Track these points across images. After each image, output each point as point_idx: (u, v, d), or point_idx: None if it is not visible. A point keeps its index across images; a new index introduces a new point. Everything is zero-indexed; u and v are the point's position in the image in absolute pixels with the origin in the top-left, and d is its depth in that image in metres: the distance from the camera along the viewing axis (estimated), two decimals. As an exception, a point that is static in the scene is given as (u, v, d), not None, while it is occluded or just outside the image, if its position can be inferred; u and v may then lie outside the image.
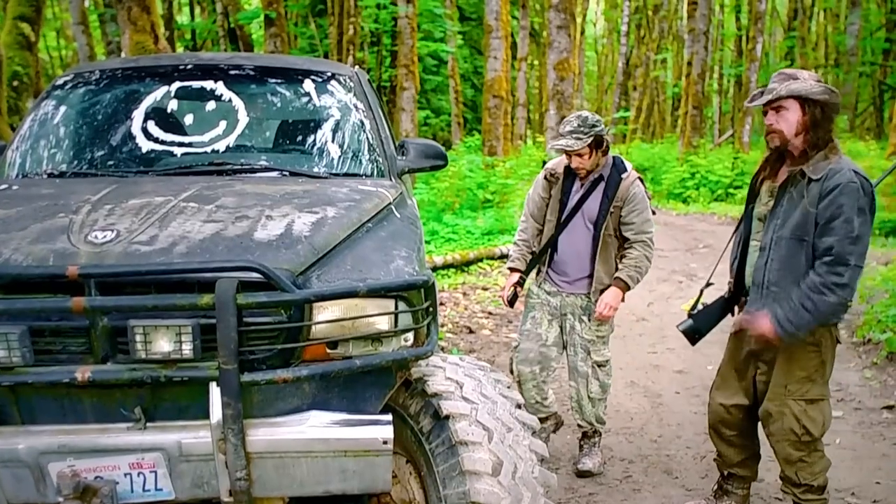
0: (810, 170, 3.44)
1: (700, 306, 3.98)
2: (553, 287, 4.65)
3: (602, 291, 4.52)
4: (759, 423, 3.87)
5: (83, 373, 2.36)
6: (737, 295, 3.88)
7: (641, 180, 4.55)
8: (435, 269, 10.74)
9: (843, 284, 3.34)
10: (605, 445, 4.99)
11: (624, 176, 4.46)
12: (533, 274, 4.77)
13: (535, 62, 37.93)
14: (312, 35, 22.96)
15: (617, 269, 4.52)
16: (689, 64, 23.84)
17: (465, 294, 9.61)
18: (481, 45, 27.75)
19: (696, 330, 3.95)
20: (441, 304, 9.05)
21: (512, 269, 4.76)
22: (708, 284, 4.07)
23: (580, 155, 4.36)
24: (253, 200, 2.96)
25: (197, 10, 29.36)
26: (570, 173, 4.56)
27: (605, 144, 4.42)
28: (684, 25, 30.01)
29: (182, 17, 29.21)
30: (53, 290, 2.44)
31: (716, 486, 4.14)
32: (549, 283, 4.66)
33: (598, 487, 4.45)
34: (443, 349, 6.93)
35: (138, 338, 2.36)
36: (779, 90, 3.45)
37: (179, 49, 25.36)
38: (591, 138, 4.31)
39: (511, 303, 4.70)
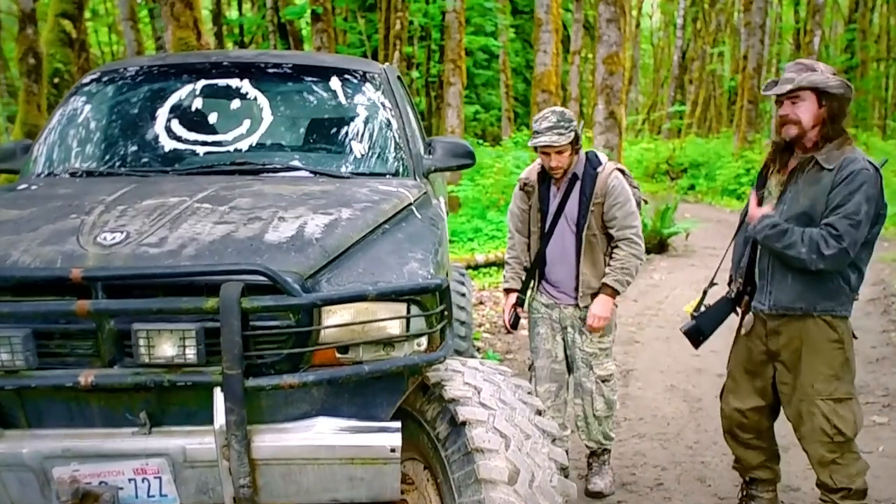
0: (823, 158, 3.39)
1: (703, 307, 3.87)
2: (550, 299, 4.43)
3: (593, 296, 4.28)
4: (775, 423, 3.79)
5: (87, 377, 2.33)
6: (743, 294, 3.76)
7: (623, 171, 4.31)
8: (476, 267, 10.66)
9: (822, 254, 3.30)
10: (638, 452, 4.89)
11: (599, 169, 4.23)
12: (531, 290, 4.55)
13: (589, 55, 37.61)
14: (361, 30, 22.96)
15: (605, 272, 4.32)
16: (745, 58, 23.42)
17: (504, 296, 9.50)
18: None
19: (699, 331, 3.85)
20: (480, 302, 8.98)
21: (508, 291, 4.54)
22: (711, 284, 3.95)
23: (560, 153, 4.13)
24: (268, 201, 2.92)
25: (247, 5, 29.55)
26: (544, 180, 4.34)
27: (579, 142, 4.20)
28: (741, 18, 29.49)
29: (231, 13, 29.40)
30: (61, 293, 2.43)
31: (741, 493, 4.02)
32: (546, 295, 4.44)
33: (628, 495, 4.34)
34: (478, 349, 6.87)
35: (142, 342, 2.33)
36: (798, 80, 3.39)
37: (228, 45, 25.58)
38: (573, 133, 4.09)
39: (514, 326, 4.49)
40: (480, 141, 25.80)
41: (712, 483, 4.46)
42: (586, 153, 4.30)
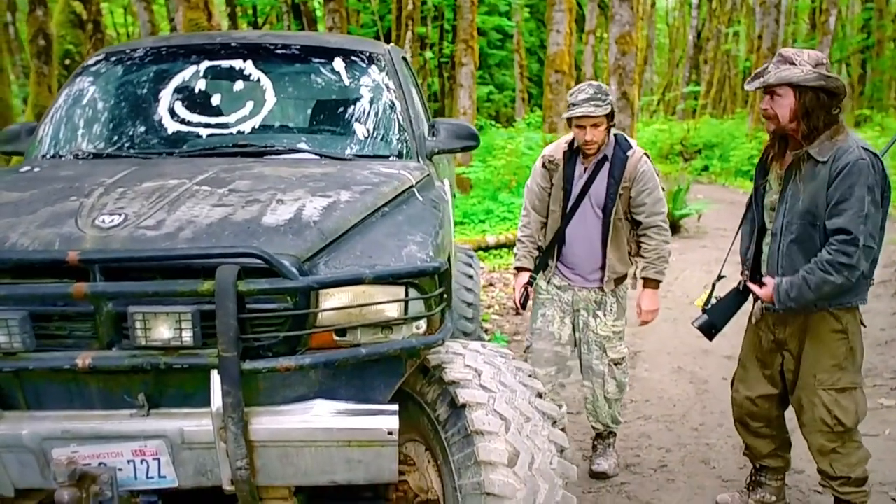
0: (816, 151, 3.33)
1: (713, 300, 3.84)
2: (563, 281, 4.36)
3: (616, 281, 4.26)
4: (786, 411, 3.77)
5: (84, 359, 2.34)
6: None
7: (648, 157, 4.25)
8: (487, 248, 10.63)
9: (850, 265, 3.23)
10: (643, 433, 4.89)
11: (630, 153, 4.16)
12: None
13: (604, 35, 37.36)
14: (374, 11, 22.89)
15: (630, 256, 4.29)
16: (760, 38, 23.24)
17: (515, 274, 9.49)
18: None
19: (711, 325, 3.83)
20: (490, 284, 8.97)
21: (519, 269, 4.46)
22: (720, 277, 3.92)
23: (596, 126, 4.05)
24: (267, 184, 2.92)
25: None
26: (570, 158, 4.25)
27: (613, 118, 4.14)
28: (756, -2, 29.24)
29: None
30: (59, 275, 2.44)
31: (749, 479, 4.01)
32: (559, 277, 4.36)
33: (632, 476, 4.35)
34: (486, 331, 6.87)
35: (138, 324, 2.34)
36: (766, 77, 3.36)
37: (242, 26, 25.53)
38: (609, 107, 4.03)
39: (524, 305, 4.42)
40: (492, 122, 25.69)
41: (716, 465, 4.45)
42: (615, 135, 4.23)
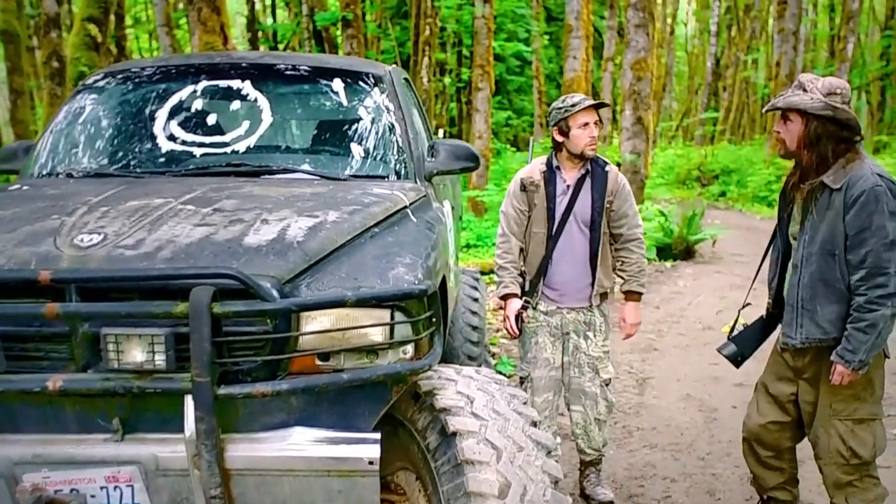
0: (830, 180, 3.25)
1: (740, 327, 3.78)
2: (550, 305, 4.23)
3: (602, 296, 4.21)
4: (797, 444, 3.67)
5: (55, 382, 2.27)
6: (778, 314, 3.62)
7: None
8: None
9: (890, 294, 3.14)
10: (648, 463, 4.76)
11: (607, 168, 4.17)
12: None
13: (622, 62, 37.41)
14: (394, 37, 22.96)
15: (615, 271, 4.27)
16: (778, 64, 23.16)
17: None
18: (564, 46, 27.48)
19: (738, 353, 3.76)
20: (500, 307, 8.86)
21: (507, 297, 4.25)
22: (745, 305, 3.85)
23: (597, 124, 4.08)
24: (253, 203, 2.85)
25: (284, 12, 29.69)
26: (550, 178, 4.18)
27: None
28: (775, 25, 29.18)
29: (267, 19, 29.56)
30: (36, 295, 2.37)
31: None
32: (545, 301, 4.23)
33: (635, 509, 4.23)
34: (493, 355, 6.78)
35: (111, 347, 2.27)
36: (776, 101, 3.34)
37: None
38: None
39: (522, 331, 4.27)
40: (510, 146, 25.69)
41: (722, 497, 4.32)
42: None
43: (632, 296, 4.26)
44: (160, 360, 2.26)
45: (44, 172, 3.66)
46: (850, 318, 3.24)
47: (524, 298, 4.25)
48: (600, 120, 4.14)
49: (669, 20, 36.50)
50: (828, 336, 3.34)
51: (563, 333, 4.24)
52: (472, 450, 2.67)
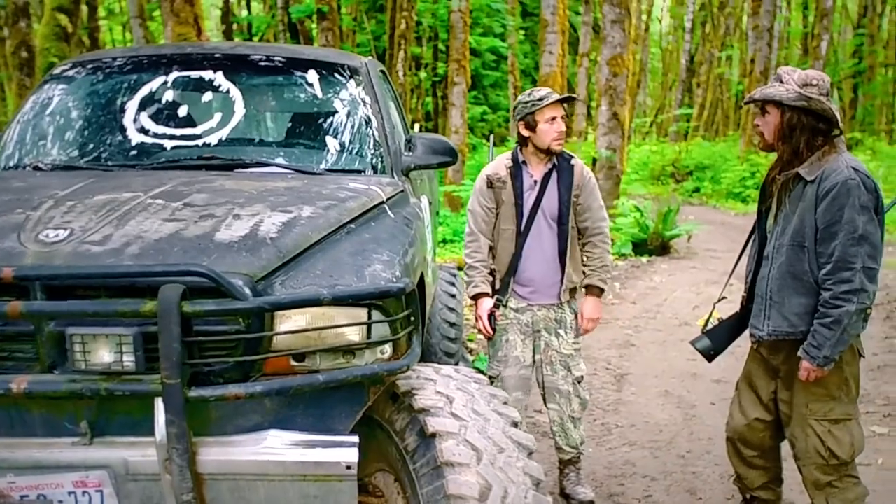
0: (805, 171, 3.24)
1: (714, 321, 3.74)
2: (521, 303, 4.16)
3: (571, 291, 4.16)
4: (782, 443, 3.64)
5: (19, 384, 2.18)
6: (748, 310, 3.60)
7: None
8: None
9: (855, 290, 3.10)
10: (628, 461, 4.71)
11: (573, 162, 4.12)
12: None
13: (598, 58, 37.42)
14: (370, 30, 22.82)
15: (583, 266, 4.21)
16: (752, 62, 23.26)
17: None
18: (539, 41, 27.45)
19: (711, 348, 3.72)
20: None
21: (478, 296, 4.16)
22: (720, 299, 3.82)
23: (563, 117, 4.03)
24: (225, 198, 2.77)
25: (259, 4, 29.44)
26: (517, 174, 4.13)
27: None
28: (750, 22, 29.32)
29: (242, 11, 29.31)
30: (0, 293, 2.28)
31: None
32: (516, 298, 4.16)
33: (615, 508, 4.18)
34: (471, 351, 6.72)
35: (77, 347, 2.19)
36: (753, 93, 3.36)
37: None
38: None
39: (495, 330, 4.18)
40: (485, 141, 25.63)
41: (703, 496, 4.28)
42: None
43: (592, 290, 4.19)
44: (128, 360, 2.19)
45: (10, 164, 3.55)
46: (816, 314, 3.22)
47: (496, 297, 4.17)
48: (567, 114, 4.04)
49: (644, 16, 36.50)
50: (795, 329, 3.31)
51: (534, 331, 4.18)
52: (451, 451, 2.60)
